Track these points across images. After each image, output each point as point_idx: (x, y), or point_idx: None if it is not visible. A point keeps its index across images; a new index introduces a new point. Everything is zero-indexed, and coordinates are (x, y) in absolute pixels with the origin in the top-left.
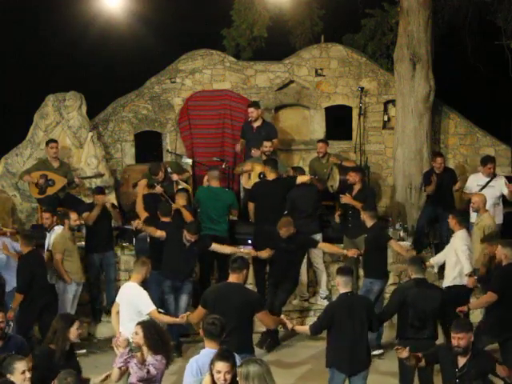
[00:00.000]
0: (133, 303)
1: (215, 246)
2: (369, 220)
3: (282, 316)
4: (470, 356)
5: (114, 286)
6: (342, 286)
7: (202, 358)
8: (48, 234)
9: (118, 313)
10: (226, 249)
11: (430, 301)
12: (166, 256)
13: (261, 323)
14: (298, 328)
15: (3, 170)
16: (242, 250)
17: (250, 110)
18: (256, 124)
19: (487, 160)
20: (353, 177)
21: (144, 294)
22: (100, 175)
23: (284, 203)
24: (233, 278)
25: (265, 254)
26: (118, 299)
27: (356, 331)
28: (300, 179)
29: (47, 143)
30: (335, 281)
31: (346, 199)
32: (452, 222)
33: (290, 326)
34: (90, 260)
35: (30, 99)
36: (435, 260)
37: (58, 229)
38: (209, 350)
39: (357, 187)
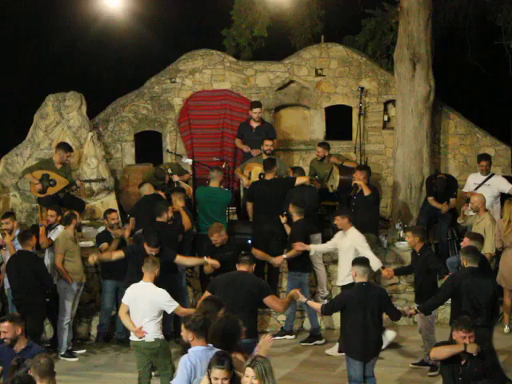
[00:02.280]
0: (155, 303)
1: (179, 259)
2: (295, 215)
3: (294, 290)
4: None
5: None
6: (360, 275)
7: (194, 356)
8: (49, 232)
9: (127, 313)
10: (191, 261)
11: (483, 289)
12: (128, 272)
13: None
14: (311, 303)
15: (3, 170)
16: (205, 258)
17: (257, 110)
18: (256, 124)
19: (480, 158)
20: (357, 175)
21: (165, 293)
22: (102, 180)
23: (282, 203)
24: (241, 267)
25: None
26: (127, 301)
27: (367, 320)
28: (299, 180)
29: (66, 150)
30: (352, 271)
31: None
32: (343, 221)
33: (303, 299)
34: (105, 287)
35: (30, 99)
36: (317, 248)
37: (60, 228)
38: (199, 347)
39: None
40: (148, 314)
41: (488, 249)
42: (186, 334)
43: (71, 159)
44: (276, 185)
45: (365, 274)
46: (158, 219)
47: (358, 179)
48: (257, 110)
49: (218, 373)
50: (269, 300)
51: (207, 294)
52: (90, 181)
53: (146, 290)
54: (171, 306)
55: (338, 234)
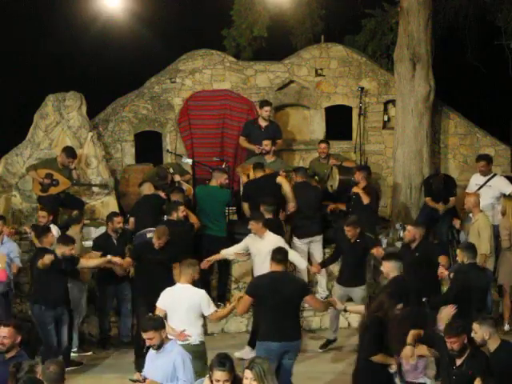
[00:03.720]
0: (195, 305)
1: (83, 262)
2: (266, 213)
3: (331, 298)
4: (467, 355)
5: (128, 320)
6: (392, 270)
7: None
8: None
9: (164, 318)
10: (94, 262)
11: (482, 284)
12: (40, 283)
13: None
14: (351, 308)
15: (3, 170)
16: (109, 256)
17: (268, 108)
18: (264, 123)
19: (479, 158)
20: (357, 175)
21: (205, 295)
22: (105, 186)
23: (275, 198)
24: (278, 267)
25: None
26: (163, 305)
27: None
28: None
29: (67, 155)
30: (382, 266)
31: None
32: (257, 225)
33: (341, 306)
34: (106, 291)
35: (30, 99)
36: (228, 252)
37: (53, 227)
38: (174, 341)
39: (361, 185)
40: (187, 318)
41: (482, 249)
42: (159, 335)
43: (73, 165)
44: (264, 180)
45: (398, 269)
46: (168, 218)
47: (360, 181)
48: (267, 108)
49: (219, 375)
50: (309, 299)
51: (246, 297)
52: (92, 185)
53: (185, 292)
54: (210, 309)
55: (251, 238)
